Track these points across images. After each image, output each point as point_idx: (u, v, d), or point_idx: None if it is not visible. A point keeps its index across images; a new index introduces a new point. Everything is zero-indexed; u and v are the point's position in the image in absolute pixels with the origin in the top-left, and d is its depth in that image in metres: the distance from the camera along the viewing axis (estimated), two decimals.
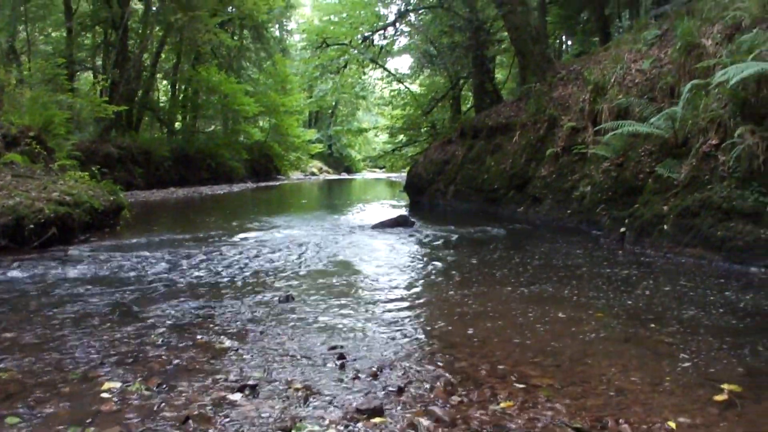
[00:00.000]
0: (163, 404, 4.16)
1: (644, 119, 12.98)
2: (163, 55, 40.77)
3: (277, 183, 44.19)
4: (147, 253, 10.48)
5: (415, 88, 39.94)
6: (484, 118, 22.15)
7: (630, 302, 7.32)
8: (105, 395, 4.31)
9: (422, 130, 34.34)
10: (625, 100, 14.44)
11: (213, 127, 49.24)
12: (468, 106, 34.16)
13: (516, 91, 23.43)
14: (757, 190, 9.38)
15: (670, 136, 12.08)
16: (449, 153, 23.04)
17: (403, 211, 19.25)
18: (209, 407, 4.13)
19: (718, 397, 4.38)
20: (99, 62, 38.03)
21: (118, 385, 4.49)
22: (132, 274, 8.90)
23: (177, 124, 43.87)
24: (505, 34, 24.26)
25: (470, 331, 6.19)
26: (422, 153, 27.78)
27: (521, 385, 4.63)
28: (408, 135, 36.59)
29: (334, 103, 72.50)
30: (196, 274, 9.01)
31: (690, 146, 11.39)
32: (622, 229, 11.82)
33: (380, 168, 74.83)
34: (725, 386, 4.55)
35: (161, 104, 43.93)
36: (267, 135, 50.91)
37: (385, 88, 45.16)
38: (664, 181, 11.33)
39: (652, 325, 6.29)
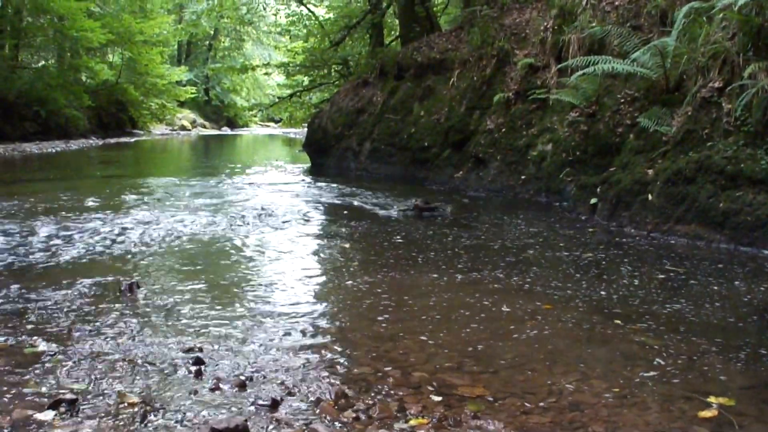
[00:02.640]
0: None
1: (625, 55, 13.07)
2: None
3: (133, 140, 43.63)
4: None
5: (322, 11, 39.85)
6: (411, 52, 22.07)
7: (598, 294, 7.40)
8: None
9: (330, 68, 34.26)
10: (600, 29, 14.52)
11: (43, 62, 48.24)
12: (392, 36, 34.12)
13: (457, 18, 23.46)
14: None
15: (658, 78, 12.24)
16: (365, 99, 22.98)
17: (300, 179, 19.22)
18: (6, 430, 4.00)
19: (705, 413, 4.42)
20: None
21: None
22: None
23: None
24: None
25: (378, 329, 6.18)
26: (329, 100, 27.69)
27: (441, 398, 4.61)
28: (311, 75, 36.51)
29: (211, 32, 71.81)
30: (5, 257, 8.78)
31: (685, 91, 11.57)
32: (593, 200, 11.96)
33: (276, 122, 74.69)
34: (713, 399, 4.60)
35: None
36: (119, 74, 49.88)
37: (281, 11, 44.92)
38: (649, 137, 11.50)
39: (624, 322, 6.37)
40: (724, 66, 10.79)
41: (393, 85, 21.75)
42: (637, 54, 12.21)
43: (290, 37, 42.80)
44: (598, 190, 11.96)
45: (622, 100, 13.45)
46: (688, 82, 11.57)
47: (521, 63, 16.91)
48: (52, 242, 9.74)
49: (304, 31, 39.37)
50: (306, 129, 28.50)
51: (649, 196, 10.66)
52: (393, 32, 34.75)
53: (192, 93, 59.27)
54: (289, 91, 40.67)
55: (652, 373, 5.08)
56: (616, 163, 12.08)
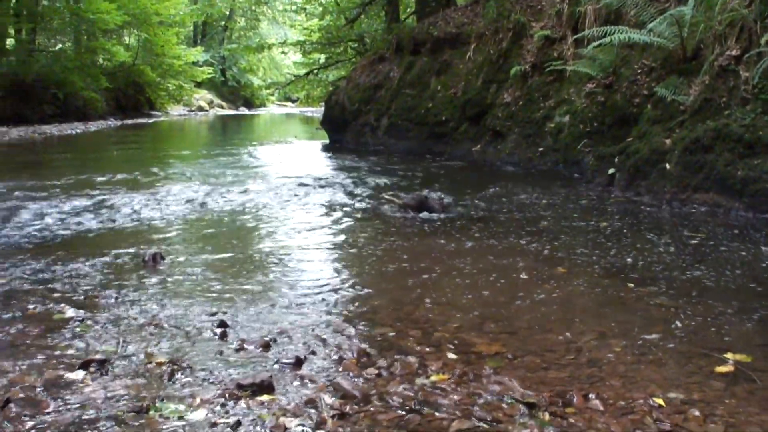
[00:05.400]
0: None
1: (642, 25, 13.06)
2: None
3: (151, 121, 43.64)
4: None
5: None
6: (428, 27, 22.10)
7: (616, 260, 7.47)
8: None
9: (347, 45, 34.24)
10: (617, 0, 14.50)
11: (60, 45, 48.22)
12: (408, 12, 34.06)
13: None
14: None
15: (675, 47, 12.24)
16: (381, 74, 22.99)
17: (318, 154, 19.29)
18: (40, 388, 4.12)
19: (722, 369, 4.51)
20: None
21: None
22: None
23: (9, 41, 42.91)
24: None
25: (397, 292, 6.30)
26: (346, 77, 27.67)
27: (460, 355, 4.73)
28: (328, 53, 36.49)
29: (227, 12, 71.75)
30: (33, 230, 8.93)
31: (702, 59, 11.57)
32: (611, 171, 11.99)
33: (292, 101, 74.55)
34: (730, 356, 4.68)
35: None
36: (135, 55, 49.83)
37: None
38: (666, 107, 11.51)
39: (641, 286, 6.44)
40: (741, 34, 10.77)
41: (409, 60, 21.75)
42: (654, 24, 12.16)
43: (306, 15, 42.80)
44: (616, 160, 11.99)
45: (639, 71, 13.45)
46: (705, 51, 11.57)
47: (537, 35, 16.92)
48: (76, 216, 9.86)
49: (320, 8, 39.36)
50: (323, 107, 28.48)
51: (667, 166, 10.69)
52: (408, 8, 34.71)
53: (208, 73, 59.07)
54: (305, 70, 40.60)
55: (668, 333, 5.16)
56: (634, 133, 12.10)
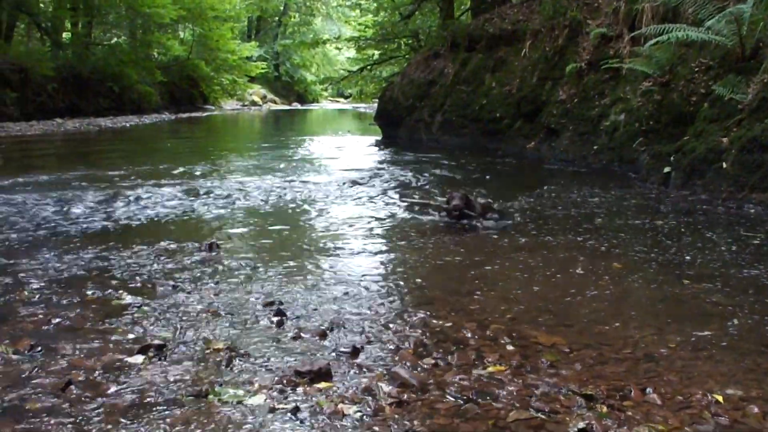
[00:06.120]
0: (38, 369, 4.21)
1: (699, 22, 12.95)
2: None
3: (205, 115, 43.92)
4: (23, 196, 10.48)
5: None
6: (483, 23, 22.11)
7: (672, 257, 7.44)
8: None
9: (401, 42, 34.22)
10: None
11: (115, 38, 48.53)
12: (462, 10, 34.00)
13: None
14: None
15: (734, 45, 12.15)
16: (436, 71, 22.99)
17: (372, 149, 19.33)
18: (99, 371, 4.19)
19: None
20: None
21: None
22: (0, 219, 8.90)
23: (65, 35, 43.16)
24: None
25: (452, 285, 6.32)
26: (400, 73, 27.67)
27: (517, 348, 4.74)
28: (382, 49, 36.49)
29: (281, 8, 71.95)
30: (90, 220, 9.05)
31: (761, 58, 11.48)
32: (667, 169, 11.91)
33: (345, 97, 74.69)
34: None
35: (41, 5, 43.13)
36: (190, 50, 50.12)
37: None
38: (724, 105, 11.41)
39: (699, 284, 6.40)
40: None
41: (464, 57, 21.74)
42: (712, 21, 12.07)
43: (360, 11, 42.78)
44: (672, 159, 11.91)
45: (697, 69, 13.35)
46: (765, 50, 11.49)
47: (594, 33, 16.84)
48: (132, 206, 9.99)
49: (374, 5, 39.32)
50: (376, 103, 28.51)
51: (724, 165, 10.61)
52: (463, 5, 34.66)
53: (262, 68, 59.38)
54: (359, 66, 40.63)
55: (725, 330, 5.14)
56: (690, 131, 12.01)
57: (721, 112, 11.40)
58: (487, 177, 13.77)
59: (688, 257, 7.38)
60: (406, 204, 10.41)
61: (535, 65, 18.44)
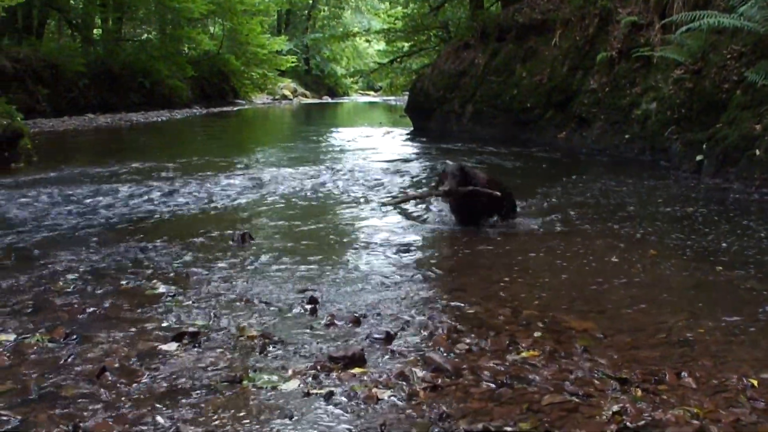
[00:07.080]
0: (73, 357, 4.26)
1: (731, 9, 12.87)
2: None
3: (235, 109, 43.88)
4: (57, 190, 10.57)
5: None
6: (513, 13, 22.02)
7: (706, 244, 7.43)
8: None
9: (430, 33, 34.16)
10: None
11: (146, 34, 48.66)
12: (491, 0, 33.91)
13: None
14: None
15: (766, 31, 12.05)
16: (466, 61, 22.96)
17: (403, 141, 19.32)
18: (134, 359, 4.23)
19: None
20: None
21: (11, 337, 4.59)
22: (36, 212, 8.99)
23: (96, 31, 43.33)
24: None
25: (485, 272, 6.35)
26: (431, 65, 27.64)
27: (550, 333, 4.75)
28: (411, 41, 36.43)
29: (311, 1, 71.96)
30: (123, 212, 9.14)
31: None
32: (699, 157, 11.86)
33: (375, 90, 74.64)
34: None
35: (72, 2, 43.22)
36: (220, 44, 50.17)
37: None
38: (757, 92, 11.35)
39: (732, 271, 6.39)
40: None
41: (494, 47, 21.71)
42: (745, 8, 12.00)
43: (390, 3, 42.70)
44: (704, 147, 11.86)
45: (729, 56, 13.26)
46: None
47: (624, 21, 16.76)
48: (165, 199, 10.08)
49: None
50: (407, 95, 28.52)
51: (757, 152, 10.55)
52: None
53: (292, 62, 59.29)
54: (389, 58, 40.55)
55: (758, 316, 5.13)
56: (723, 119, 11.94)
57: (754, 98, 11.34)
58: (519, 165, 13.75)
59: (722, 244, 7.37)
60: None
61: (565, 54, 18.39)
